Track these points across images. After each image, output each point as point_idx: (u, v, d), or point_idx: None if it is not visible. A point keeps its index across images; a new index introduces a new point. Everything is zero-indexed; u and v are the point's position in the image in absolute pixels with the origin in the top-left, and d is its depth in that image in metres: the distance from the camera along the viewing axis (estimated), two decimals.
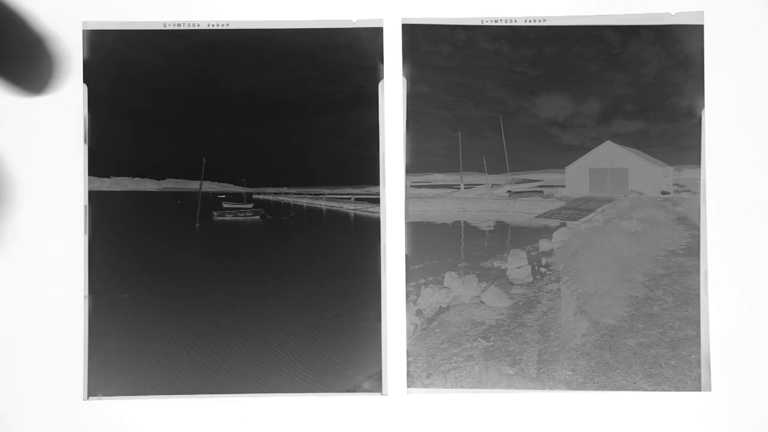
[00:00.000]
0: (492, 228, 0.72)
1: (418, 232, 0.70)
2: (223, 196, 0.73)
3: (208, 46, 0.71)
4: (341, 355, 0.69)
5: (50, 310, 0.70)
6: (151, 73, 0.71)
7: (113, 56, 0.71)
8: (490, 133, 0.71)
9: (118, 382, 0.68)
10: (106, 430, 0.69)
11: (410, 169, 0.71)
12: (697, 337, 0.69)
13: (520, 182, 0.72)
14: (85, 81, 0.71)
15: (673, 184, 0.71)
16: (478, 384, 0.69)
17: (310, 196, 0.72)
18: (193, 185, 0.72)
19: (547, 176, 0.72)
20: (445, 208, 0.72)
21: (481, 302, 0.70)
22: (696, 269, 0.69)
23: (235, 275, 0.70)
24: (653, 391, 0.68)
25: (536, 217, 0.72)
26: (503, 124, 0.71)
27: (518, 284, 0.70)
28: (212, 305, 0.70)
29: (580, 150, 0.71)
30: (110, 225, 0.71)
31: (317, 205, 0.72)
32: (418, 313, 0.70)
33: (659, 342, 0.69)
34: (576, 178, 0.72)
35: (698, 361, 0.68)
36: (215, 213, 0.72)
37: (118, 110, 0.71)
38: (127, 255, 0.71)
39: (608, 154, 0.71)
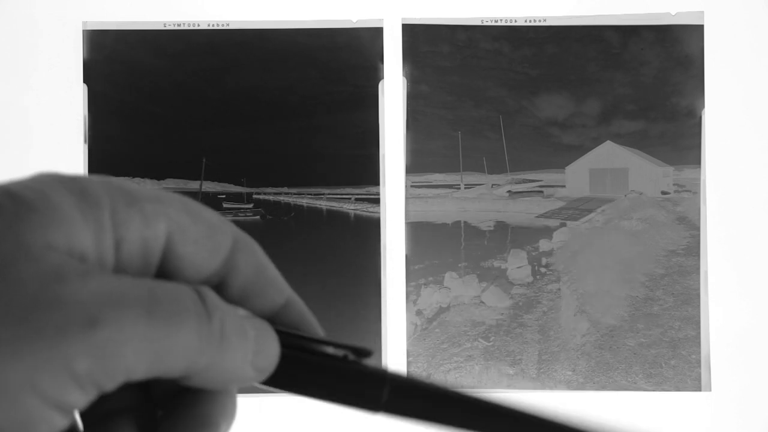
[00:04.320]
0: (492, 228, 0.72)
1: (418, 232, 0.70)
2: (223, 196, 0.73)
3: (208, 46, 0.71)
4: None
5: None
6: (151, 73, 0.71)
7: (113, 56, 0.71)
8: (490, 133, 0.71)
9: None
10: None
11: (410, 169, 0.71)
12: (697, 337, 0.69)
13: (520, 182, 0.72)
14: (85, 81, 0.71)
15: (673, 184, 0.71)
16: (478, 384, 0.69)
17: (310, 196, 0.72)
18: (193, 185, 0.72)
19: (547, 176, 0.72)
20: (445, 208, 0.71)
21: (481, 302, 0.70)
22: (696, 269, 0.69)
23: None
24: (653, 391, 0.68)
25: (536, 217, 0.72)
26: (503, 124, 0.71)
27: (518, 284, 0.70)
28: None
29: (580, 150, 0.71)
30: None
31: (317, 205, 0.72)
32: (418, 313, 0.70)
33: (659, 342, 0.69)
34: (576, 178, 0.72)
35: (698, 361, 0.68)
36: None
37: (118, 110, 0.71)
38: None
39: (608, 154, 0.71)
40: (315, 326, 0.22)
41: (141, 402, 0.20)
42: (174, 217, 0.19)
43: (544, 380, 0.68)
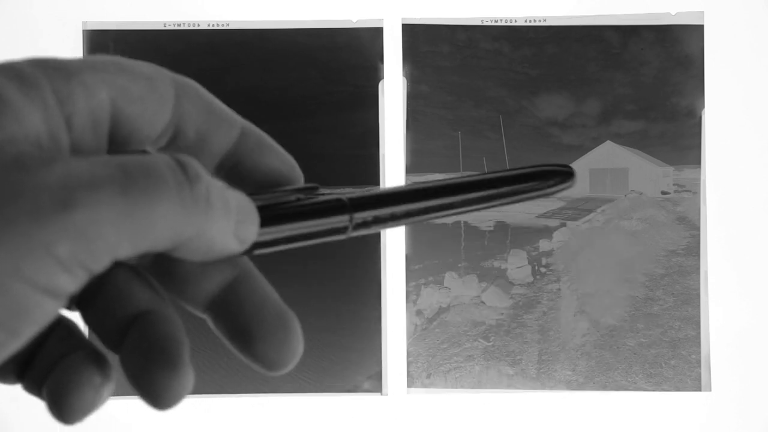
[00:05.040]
0: (492, 228, 0.72)
1: (418, 232, 0.70)
2: None
3: (208, 46, 0.71)
4: (341, 355, 0.69)
5: None
6: None
7: None
8: (490, 133, 0.71)
9: (118, 382, 0.68)
10: (106, 430, 0.69)
11: (410, 169, 0.71)
12: (697, 337, 0.69)
13: None
14: None
15: (673, 184, 0.71)
16: (478, 384, 0.69)
17: None
18: None
19: None
20: None
21: (482, 302, 0.70)
22: (696, 269, 0.69)
23: None
24: (653, 391, 0.68)
25: (536, 217, 0.72)
26: (503, 124, 0.71)
27: (518, 284, 0.70)
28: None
29: (580, 150, 0.71)
30: None
31: None
32: (418, 313, 0.70)
33: (659, 342, 0.69)
34: (576, 178, 0.72)
35: (698, 361, 0.68)
36: None
37: None
38: None
39: (608, 154, 0.71)
40: (274, 148, 0.22)
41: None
42: (113, 81, 0.18)
43: (544, 380, 0.68)
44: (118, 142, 0.19)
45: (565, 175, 0.24)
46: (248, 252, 0.19)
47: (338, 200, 0.20)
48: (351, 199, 0.20)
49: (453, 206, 0.22)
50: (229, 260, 0.21)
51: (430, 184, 0.22)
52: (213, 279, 0.21)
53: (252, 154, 0.22)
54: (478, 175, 0.23)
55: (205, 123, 0.21)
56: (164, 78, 0.20)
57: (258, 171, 0.22)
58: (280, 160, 0.22)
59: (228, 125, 0.21)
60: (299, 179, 0.23)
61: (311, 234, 0.20)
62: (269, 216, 0.20)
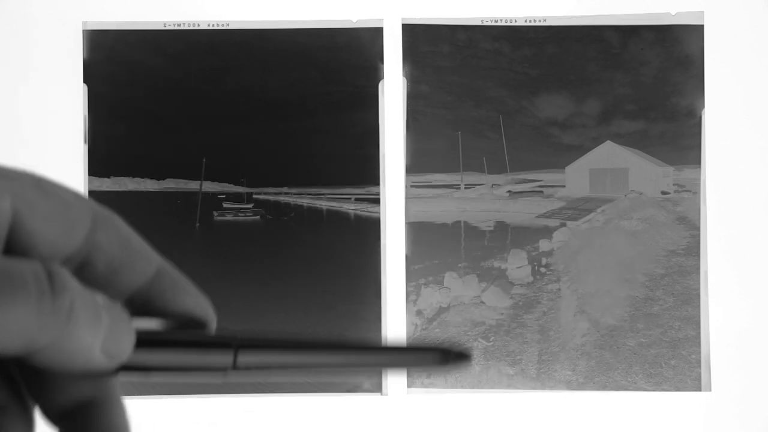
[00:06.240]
0: (492, 228, 0.72)
1: (418, 232, 0.70)
2: (223, 196, 0.73)
3: (208, 46, 0.71)
4: None
5: None
6: (151, 73, 0.71)
7: (113, 56, 0.71)
8: (490, 133, 0.71)
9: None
10: None
11: (410, 169, 0.71)
12: (697, 337, 0.69)
13: (520, 182, 0.72)
14: (85, 81, 0.71)
15: (673, 184, 0.71)
16: (478, 384, 0.69)
17: (310, 196, 0.72)
18: (193, 185, 0.72)
19: (547, 176, 0.72)
20: (445, 208, 0.72)
21: (481, 302, 0.70)
22: (696, 269, 0.69)
23: (235, 275, 0.70)
24: (653, 391, 0.68)
25: (536, 217, 0.72)
26: (503, 124, 0.71)
27: (518, 284, 0.70)
28: (212, 305, 0.69)
29: (580, 150, 0.71)
30: None
31: (317, 205, 0.72)
32: (418, 313, 0.70)
33: (659, 342, 0.69)
34: (576, 178, 0.72)
35: (698, 361, 0.68)
36: (215, 213, 0.72)
37: (118, 110, 0.71)
38: None
39: (608, 154, 0.71)
40: (189, 291, 0.22)
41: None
42: (20, 193, 0.18)
43: (544, 380, 0.68)
44: (14, 253, 0.19)
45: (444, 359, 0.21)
46: (116, 372, 0.19)
47: (224, 337, 0.20)
48: (238, 339, 0.20)
49: (346, 365, 0.21)
50: (97, 378, 0.20)
51: (329, 341, 0.21)
52: (68, 393, 0.20)
53: (165, 293, 0.21)
54: (367, 343, 0.22)
55: (119, 258, 0.20)
56: (81, 205, 0.20)
57: (169, 312, 0.21)
58: (194, 303, 0.22)
59: (144, 263, 0.21)
60: (212, 323, 0.22)
61: (187, 367, 0.20)
62: (147, 340, 0.19)
